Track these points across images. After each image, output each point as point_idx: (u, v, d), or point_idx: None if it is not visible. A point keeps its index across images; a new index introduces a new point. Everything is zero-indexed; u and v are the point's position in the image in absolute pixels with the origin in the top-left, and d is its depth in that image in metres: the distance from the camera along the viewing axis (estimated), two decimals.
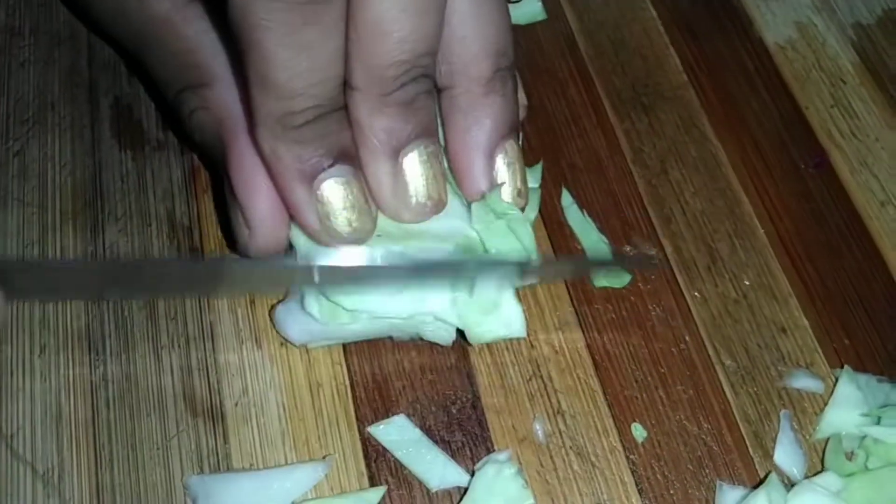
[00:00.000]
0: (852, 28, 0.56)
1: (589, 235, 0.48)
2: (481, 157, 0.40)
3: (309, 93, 0.35)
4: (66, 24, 0.55)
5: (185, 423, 0.43)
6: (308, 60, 0.35)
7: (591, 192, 0.50)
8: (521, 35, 0.55)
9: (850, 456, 0.42)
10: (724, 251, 0.48)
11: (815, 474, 0.42)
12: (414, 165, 0.38)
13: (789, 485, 0.42)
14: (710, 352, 0.45)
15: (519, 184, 0.41)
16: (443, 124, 0.41)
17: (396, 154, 0.38)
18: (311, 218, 0.38)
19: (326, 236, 0.39)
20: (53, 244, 0.48)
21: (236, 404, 0.44)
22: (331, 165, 0.37)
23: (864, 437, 0.42)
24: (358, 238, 0.39)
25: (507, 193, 0.41)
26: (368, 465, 0.42)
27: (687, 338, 0.45)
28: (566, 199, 0.49)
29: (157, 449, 0.43)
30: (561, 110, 0.53)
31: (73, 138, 0.51)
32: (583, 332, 0.45)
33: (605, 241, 0.48)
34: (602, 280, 0.46)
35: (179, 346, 0.45)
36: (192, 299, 0.46)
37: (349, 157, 0.38)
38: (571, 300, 0.46)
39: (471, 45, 0.39)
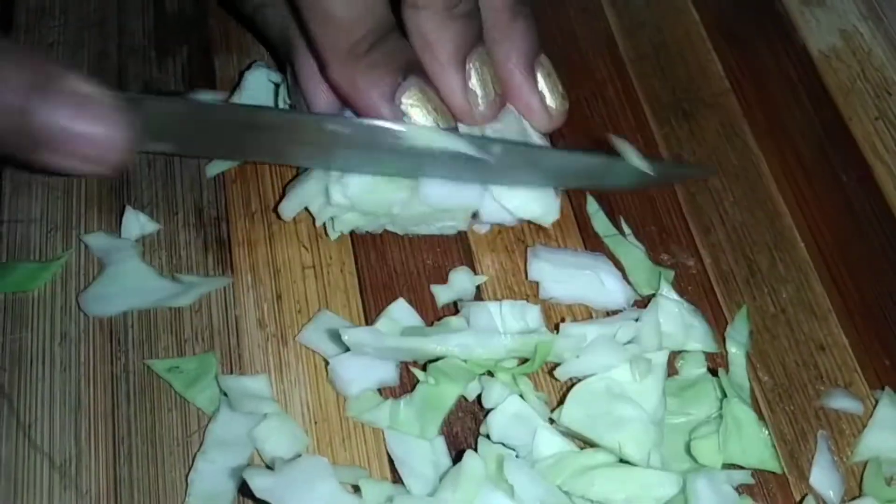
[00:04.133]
0: None
1: (619, 244, 0.47)
2: (526, 76, 0.44)
3: (367, 19, 0.39)
4: (97, 8, 0.55)
5: (206, 419, 0.42)
6: None
7: (628, 199, 0.48)
8: (559, 33, 0.54)
9: (889, 481, 0.41)
10: (764, 264, 0.47)
11: (853, 499, 0.41)
12: (478, 68, 0.42)
13: None
14: (747, 367, 0.44)
15: (560, 90, 0.45)
16: None
17: (464, 62, 0.42)
18: None
19: None
20: (77, 230, 0.47)
21: None
22: (404, 79, 0.40)
23: None
24: None
25: (552, 101, 0.44)
26: (393, 470, 0.41)
27: (723, 351, 0.44)
28: (591, 205, 0.48)
29: (178, 445, 0.42)
30: (598, 112, 0.51)
31: None
32: None
33: (638, 246, 0.47)
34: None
35: (203, 339, 0.44)
36: (217, 292, 0.45)
37: (417, 69, 0.41)
38: None
39: None
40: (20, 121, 0.34)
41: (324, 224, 0.46)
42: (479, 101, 0.42)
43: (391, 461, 0.41)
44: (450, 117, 0.42)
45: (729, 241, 0.47)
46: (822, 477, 0.41)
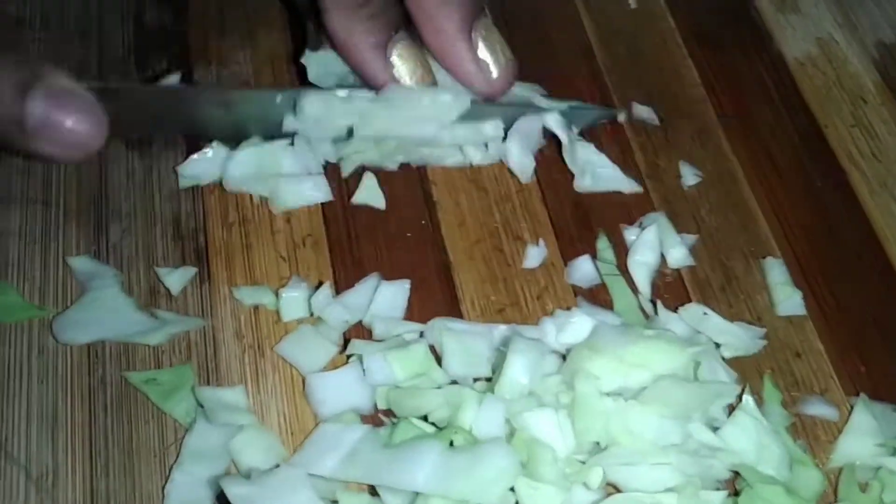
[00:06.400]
0: (874, 46, 0.55)
1: (615, 283, 0.46)
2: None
3: None
4: (77, 19, 0.55)
5: (183, 430, 0.42)
6: None
7: (607, 208, 0.49)
8: (537, 41, 0.55)
9: (864, 487, 0.41)
10: (740, 271, 0.47)
11: None
12: (484, 36, 0.45)
13: None
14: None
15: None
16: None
17: (471, 32, 0.44)
18: (385, 81, 0.45)
19: None
20: (56, 241, 0.47)
21: None
22: (396, 33, 0.44)
23: (879, 468, 0.41)
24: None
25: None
26: None
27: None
28: (602, 241, 0.48)
29: (154, 456, 0.42)
30: None
31: None
32: None
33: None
34: None
35: (180, 351, 0.44)
36: (194, 303, 0.45)
37: (404, 27, 0.44)
38: None
39: None
40: (15, 112, 0.39)
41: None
42: (491, 67, 0.45)
43: None
44: (432, 74, 0.45)
45: (704, 248, 0.48)
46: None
